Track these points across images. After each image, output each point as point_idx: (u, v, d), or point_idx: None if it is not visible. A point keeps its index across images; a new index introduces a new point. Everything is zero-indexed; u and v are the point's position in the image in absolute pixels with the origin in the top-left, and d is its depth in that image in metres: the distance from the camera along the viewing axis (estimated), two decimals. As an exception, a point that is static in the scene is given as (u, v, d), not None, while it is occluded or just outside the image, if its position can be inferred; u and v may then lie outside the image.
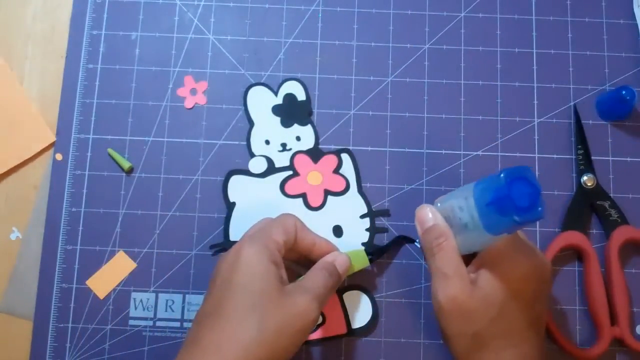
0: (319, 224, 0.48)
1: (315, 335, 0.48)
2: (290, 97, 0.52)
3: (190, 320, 0.48)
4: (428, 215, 0.43)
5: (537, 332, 0.41)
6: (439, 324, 0.42)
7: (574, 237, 0.48)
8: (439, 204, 0.44)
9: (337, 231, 0.49)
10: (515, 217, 0.35)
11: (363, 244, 0.49)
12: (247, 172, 0.51)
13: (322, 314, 0.48)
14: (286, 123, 0.51)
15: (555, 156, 0.51)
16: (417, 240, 0.48)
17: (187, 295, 0.49)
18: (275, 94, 0.52)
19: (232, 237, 0.49)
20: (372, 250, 0.47)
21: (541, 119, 0.51)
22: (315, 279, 0.42)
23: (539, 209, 0.35)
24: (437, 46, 0.53)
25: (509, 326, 0.40)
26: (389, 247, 0.48)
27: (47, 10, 0.54)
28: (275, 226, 0.42)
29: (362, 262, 0.46)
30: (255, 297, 0.38)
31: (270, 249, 0.40)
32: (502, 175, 0.36)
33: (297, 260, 0.46)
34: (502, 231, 0.37)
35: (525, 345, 0.40)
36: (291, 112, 0.51)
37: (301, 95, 0.52)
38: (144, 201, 0.50)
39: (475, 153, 0.51)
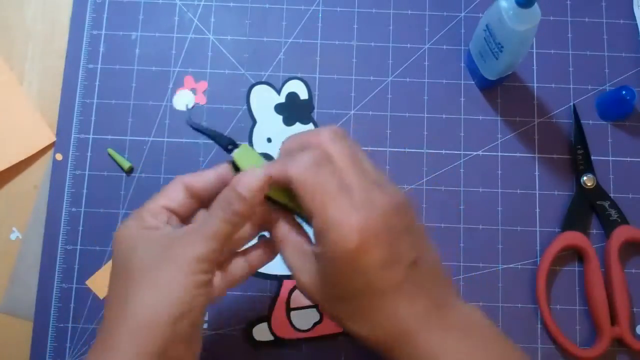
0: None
1: (312, 333, 0.48)
2: (292, 96, 0.52)
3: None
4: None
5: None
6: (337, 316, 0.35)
7: (574, 237, 0.48)
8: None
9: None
10: None
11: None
12: (247, 172, 0.51)
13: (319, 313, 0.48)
14: (288, 121, 0.51)
15: (555, 156, 0.51)
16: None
17: (187, 295, 0.49)
18: (278, 92, 0.52)
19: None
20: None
21: (541, 119, 0.51)
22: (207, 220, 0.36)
23: None
24: (437, 46, 0.53)
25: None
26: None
27: (47, 10, 0.54)
28: (152, 199, 0.40)
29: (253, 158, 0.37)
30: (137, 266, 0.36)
31: (141, 218, 0.38)
32: None
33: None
34: None
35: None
36: (293, 111, 0.52)
37: (304, 94, 0.52)
38: (144, 201, 0.50)
39: (475, 153, 0.51)
